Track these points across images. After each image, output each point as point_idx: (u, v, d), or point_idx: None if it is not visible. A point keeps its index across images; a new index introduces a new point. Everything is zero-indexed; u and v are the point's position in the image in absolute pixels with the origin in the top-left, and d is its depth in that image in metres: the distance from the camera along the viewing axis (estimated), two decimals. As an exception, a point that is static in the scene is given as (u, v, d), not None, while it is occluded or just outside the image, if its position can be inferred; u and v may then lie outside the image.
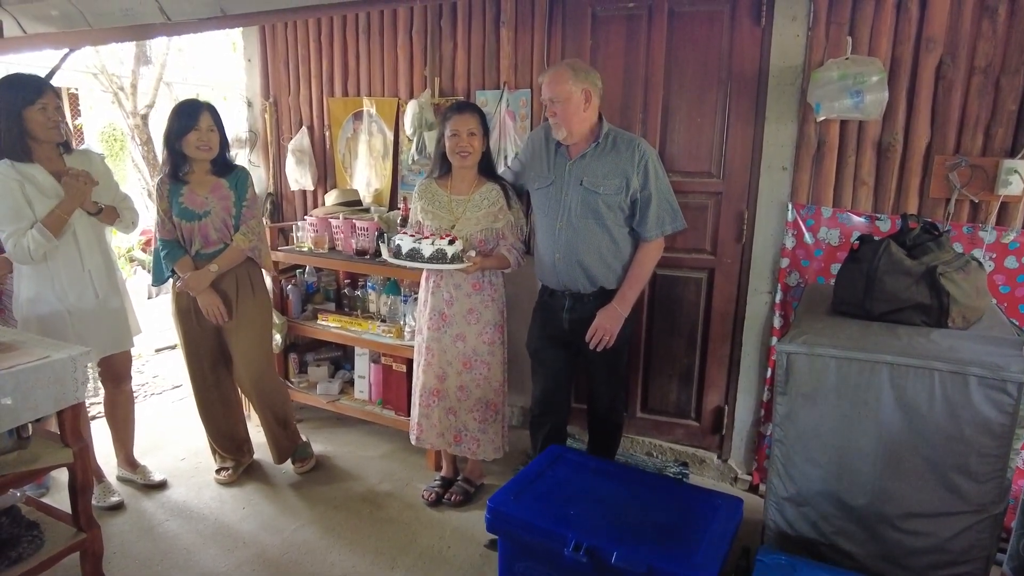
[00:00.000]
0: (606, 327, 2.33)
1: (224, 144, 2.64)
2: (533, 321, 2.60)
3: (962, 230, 2.32)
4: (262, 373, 2.79)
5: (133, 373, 2.87)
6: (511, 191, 2.55)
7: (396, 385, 3.08)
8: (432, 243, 2.37)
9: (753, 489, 2.82)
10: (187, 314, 2.69)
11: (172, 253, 2.60)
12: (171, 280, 2.70)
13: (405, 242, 2.42)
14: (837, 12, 2.37)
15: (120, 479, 2.81)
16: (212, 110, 2.57)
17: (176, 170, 2.57)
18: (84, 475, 2.00)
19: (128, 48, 7.34)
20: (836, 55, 2.37)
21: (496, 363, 2.61)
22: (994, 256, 2.30)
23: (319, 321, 3.26)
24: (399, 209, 3.30)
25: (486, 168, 2.55)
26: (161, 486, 2.79)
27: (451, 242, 2.37)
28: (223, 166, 2.64)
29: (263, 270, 2.81)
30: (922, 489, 1.77)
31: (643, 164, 2.27)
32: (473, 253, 2.44)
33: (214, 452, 2.91)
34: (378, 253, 2.99)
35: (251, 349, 2.74)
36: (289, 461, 2.94)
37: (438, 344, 2.61)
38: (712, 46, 2.62)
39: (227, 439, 2.89)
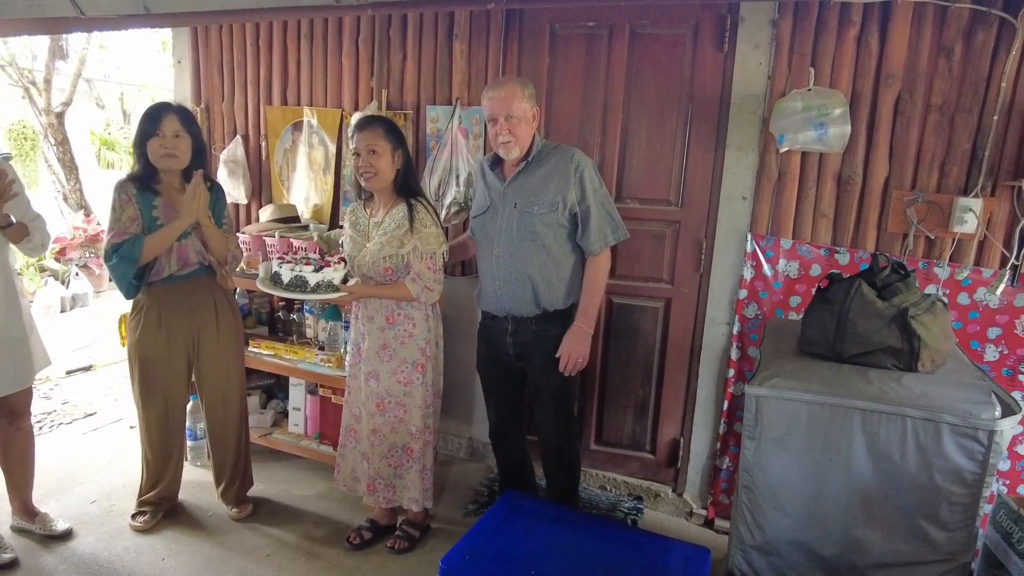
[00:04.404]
0: (577, 349, 2.21)
1: (199, 153, 2.36)
2: (479, 343, 2.48)
3: (918, 265, 2.31)
4: (241, 395, 2.64)
5: (39, 399, 2.53)
6: (419, 211, 2.24)
7: (335, 419, 2.85)
8: (292, 269, 2.17)
9: (708, 524, 2.75)
10: (153, 343, 2.38)
11: (134, 243, 2.22)
12: (137, 295, 2.36)
13: (283, 270, 2.23)
14: (800, 42, 2.34)
15: (15, 530, 2.46)
16: (182, 113, 2.31)
17: (148, 177, 2.31)
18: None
19: (42, 40, 6.78)
20: (798, 85, 2.34)
21: (414, 405, 2.34)
22: (947, 292, 2.31)
23: (250, 348, 2.99)
24: (341, 227, 3.09)
25: (403, 186, 2.28)
26: (65, 536, 2.46)
27: (318, 269, 2.16)
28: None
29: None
30: (893, 538, 1.72)
31: (579, 176, 2.16)
32: (352, 281, 2.23)
33: (140, 497, 2.60)
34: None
35: (232, 370, 2.57)
36: (226, 504, 2.68)
37: (355, 381, 2.40)
38: (673, 70, 2.55)
39: (167, 487, 2.60)
